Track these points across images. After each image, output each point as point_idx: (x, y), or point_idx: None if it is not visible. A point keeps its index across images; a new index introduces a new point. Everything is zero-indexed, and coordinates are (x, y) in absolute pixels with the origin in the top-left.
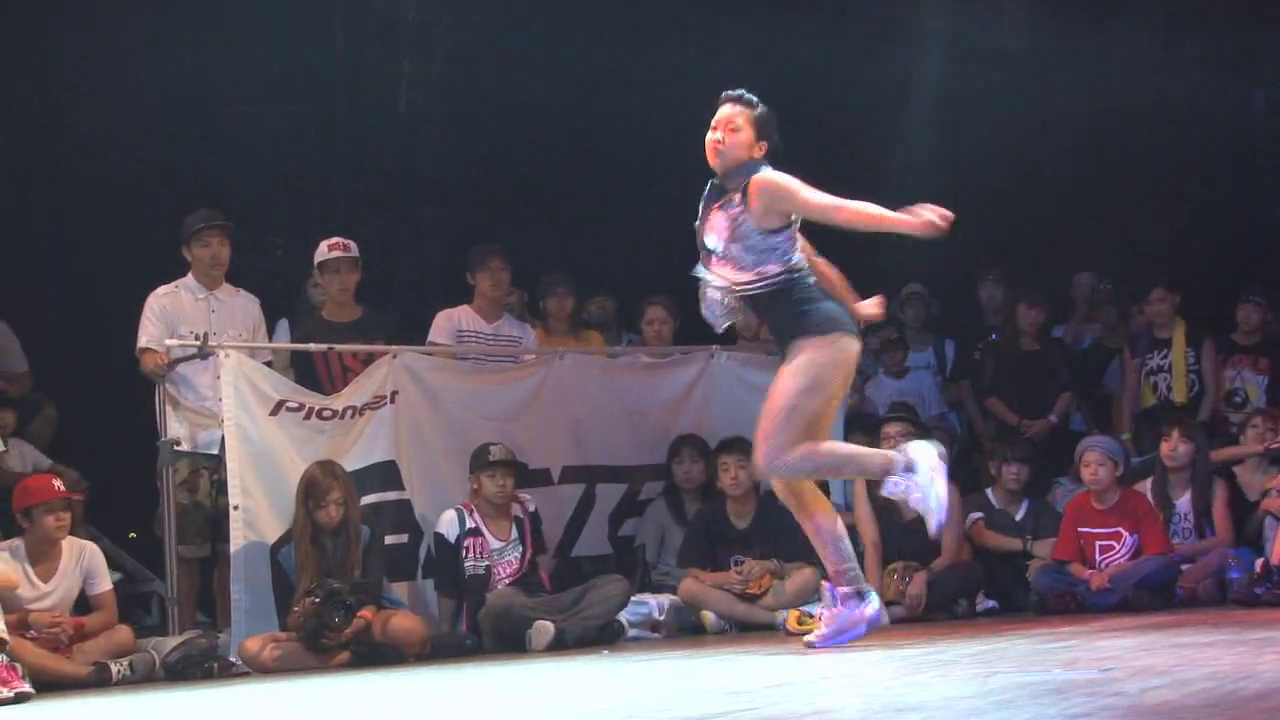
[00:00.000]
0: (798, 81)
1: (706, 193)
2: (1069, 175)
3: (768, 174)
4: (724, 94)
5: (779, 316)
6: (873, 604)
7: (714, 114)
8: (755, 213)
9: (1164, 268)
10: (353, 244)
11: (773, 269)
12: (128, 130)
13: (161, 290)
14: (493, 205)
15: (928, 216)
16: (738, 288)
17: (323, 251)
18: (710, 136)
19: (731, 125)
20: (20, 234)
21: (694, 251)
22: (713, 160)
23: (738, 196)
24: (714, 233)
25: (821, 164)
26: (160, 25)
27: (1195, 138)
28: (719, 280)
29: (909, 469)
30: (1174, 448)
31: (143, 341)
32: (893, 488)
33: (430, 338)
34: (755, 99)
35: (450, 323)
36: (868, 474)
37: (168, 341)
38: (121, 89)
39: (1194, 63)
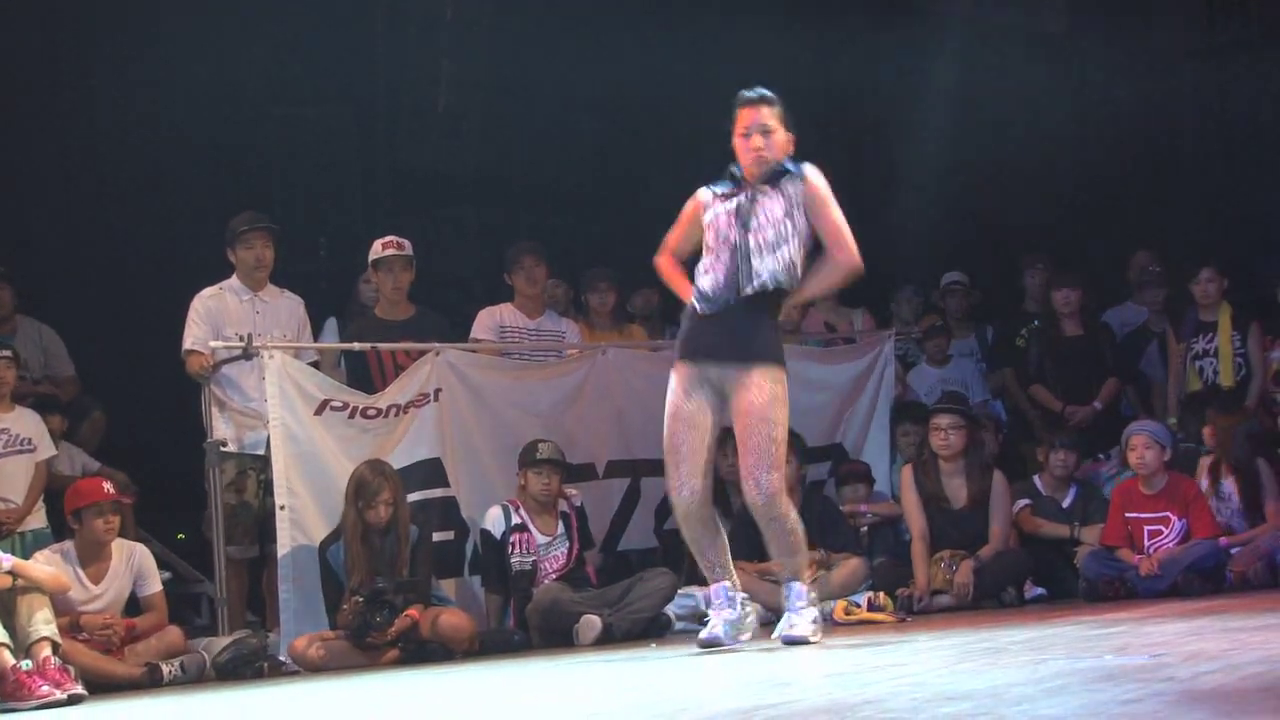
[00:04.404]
0: (833, 73)
1: (720, 189)
2: (1115, 160)
3: (818, 174)
4: (742, 95)
5: (753, 325)
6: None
7: (733, 116)
8: (810, 203)
9: (1212, 250)
10: (407, 243)
11: (797, 271)
12: (172, 134)
13: (206, 292)
14: (534, 202)
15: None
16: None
17: (377, 250)
18: (748, 144)
19: (765, 128)
20: (66, 239)
21: None
22: (755, 168)
23: (792, 188)
24: (764, 221)
25: (858, 158)
26: (201, 28)
27: (1239, 121)
28: (765, 271)
29: (800, 602)
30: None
31: (188, 344)
32: (724, 602)
33: (473, 334)
34: (773, 94)
35: (493, 319)
36: (797, 560)
37: (213, 343)
38: (165, 93)
39: (1235, 46)
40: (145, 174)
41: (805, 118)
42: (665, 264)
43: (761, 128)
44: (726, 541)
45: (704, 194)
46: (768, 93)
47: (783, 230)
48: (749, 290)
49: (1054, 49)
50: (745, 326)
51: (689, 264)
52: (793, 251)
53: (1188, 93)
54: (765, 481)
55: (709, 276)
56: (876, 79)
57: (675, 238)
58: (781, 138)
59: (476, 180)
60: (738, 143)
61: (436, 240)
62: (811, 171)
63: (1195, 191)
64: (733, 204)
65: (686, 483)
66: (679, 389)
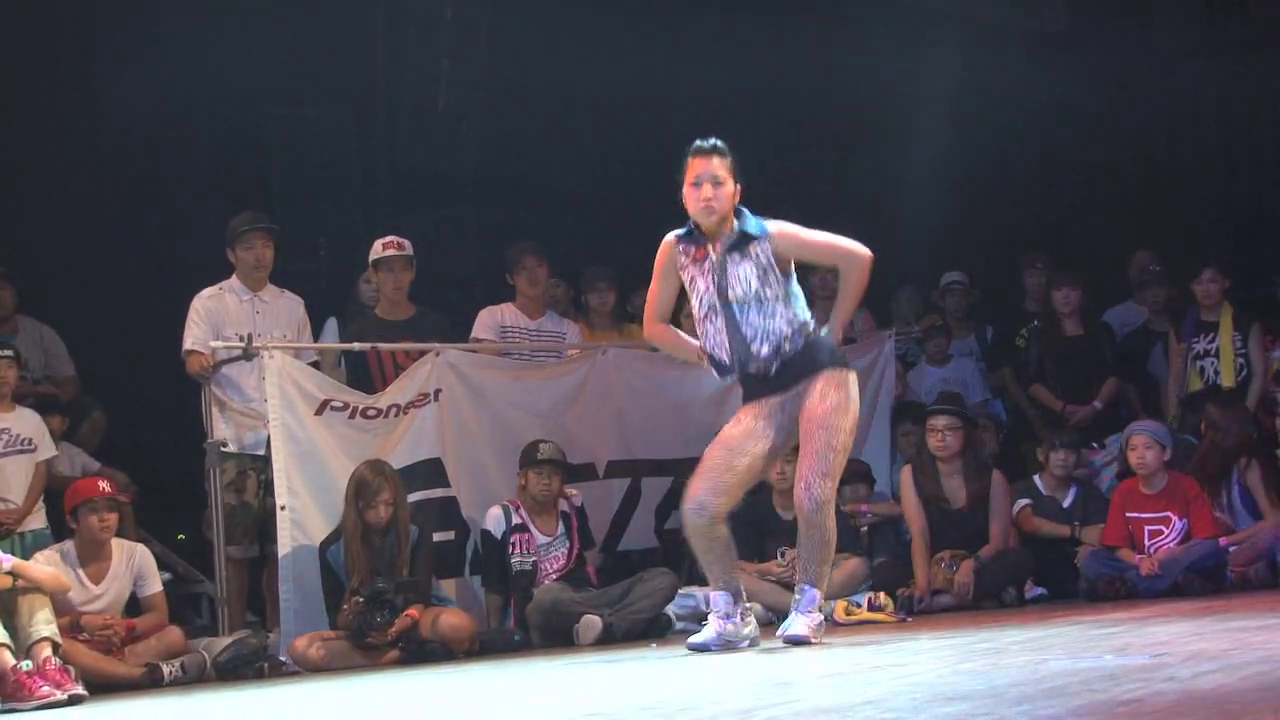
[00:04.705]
0: (828, 75)
1: (686, 242)
2: (1115, 160)
3: (777, 223)
4: (695, 145)
5: (799, 353)
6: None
7: (685, 165)
8: (784, 250)
9: (1213, 250)
10: (407, 243)
11: (800, 317)
12: (171, 134)
13: (206, 293)
14: (534, 202)
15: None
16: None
17: (377, 250)
18: (698, 193)
19: (716, 179)
20: (66, 239)
21: None
22: (704, 219)
23: (759, 249)
24: (740, 284)
25: (856, 157)
26: (201, 28)
27: (1239, 121)
28: (774, 323)
29: (810, 606)
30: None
31: (188, 344)
32: (727, 609)
33: (473, 334)
34: (724, 144)
35: (493, 319)
36: (822, 570)
37: (213, 344)
38: (165, 93)
39: (1235, 45)
40: (145, 174)
41: (806, 117)
42: (660, 332)
43: (712, 178)
44: (736, 557)
45: (670, 240)
46: (720, 144)
47: (764, 295)
48: (762, 354)
49: (1054, 48)
50: (789, 362)
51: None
52: (784, 313)
53: (1188, 93)
54: (817, 488)
55: (719, 349)
56: (877, 79)
57: (656, 296)
58: (730, 189)
59: (476, 180)
60: (687, 191)
61: (436, 240)
62: (772, 227)
63: (1195, 191)
64: (704, 265)
65: (698, 498)
66: (740, 418)
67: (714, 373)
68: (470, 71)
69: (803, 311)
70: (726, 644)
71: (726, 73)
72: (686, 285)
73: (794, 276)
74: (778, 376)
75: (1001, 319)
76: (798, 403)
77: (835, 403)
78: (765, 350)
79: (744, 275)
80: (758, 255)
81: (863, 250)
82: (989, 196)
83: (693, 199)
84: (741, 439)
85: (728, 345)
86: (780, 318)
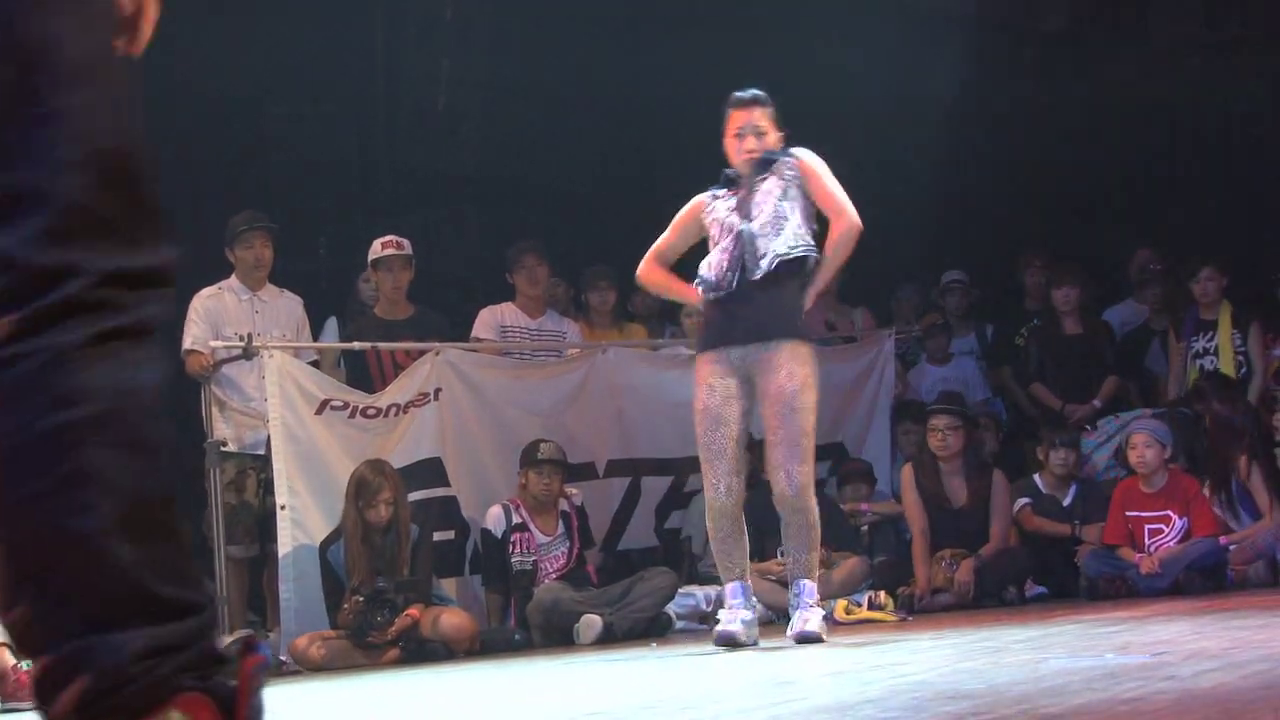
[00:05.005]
0: (832, 71)
1: (719, 191)
2: (1115, 159)
3: (809, 153)
4: (734, 96)
5: (769, 302)
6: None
7: (726, 116)
8: (805, 179)
9: (1212, 248)
10: (406, 242)
11: (808, 238)
12: (171, 133)
13: (206, 292)
14: (533, 201)
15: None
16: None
17: (376, 249)
18: (741, 145)
19: (758, 129)
20: None
21: None
22: (747, 169)
23: (786, 169)
24: (763, 203)
25: (858, 157)
26: (199, 27)
27: (1239, 120)
28: (781, 227)
29: (810, 599)
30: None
31: (187, 343)
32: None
33: (474, 334)
34: (764, 94)
35: (494, 318)
36: (811, 558)
37: (212, 343)
38: (165, 92)
39: (1236, 43)
40: None
41: (805, 117)
42: (655, 275)
43: (754, 129)
44: (748, 543)
45: (703, 197)
46: (760, 94)
47: (781, 208)
48: (759, 273)
49: (1054, 47)
50: (762, 305)
51: (679, 268)
52: (797, 224)
53: (1188, 92)
54: (796, 474)
55: (713, 263)
56: (876, 79)
57: (666, 243)
58: (773, 138)
59: (476, 180)
60: (729, 143)
61: (436, 240)
62: (802, 152)
63: (1195, 190)
64: (733, 201)
65: (724, 480)
66: (703, 384)
67: (700, 292)
68: (470, 71)
69: (811, 238)
70: (749, 635)
71: (726, 72)
72: (709, 221)
73: (814, 210)
74: (748, 308)
75: (1001, 318)
76: (758, 366)
77: (801, 380)
78: (760, 269)
79: (767, 192)
80: (783, 171)
81: (856, 219)
82: (989, 196)
83: (735, 150)
84: (720, 407)
85: (727, 259)
86: (788, 231)
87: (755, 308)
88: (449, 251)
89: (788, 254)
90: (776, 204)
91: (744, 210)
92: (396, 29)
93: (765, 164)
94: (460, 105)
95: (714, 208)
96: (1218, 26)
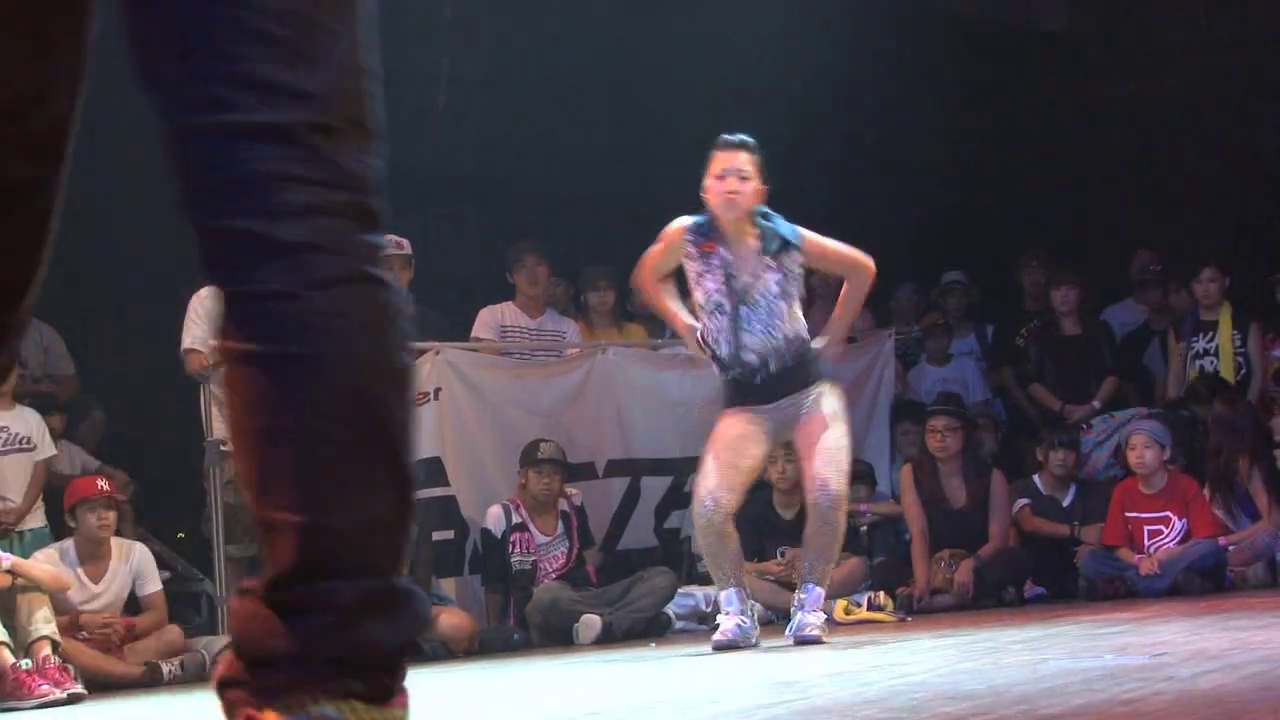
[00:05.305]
0: (832, 72)
1: (695, 234)
2: (1115, 160)
3: (807, 232)
4: (722, 139)
5: (785, 377)
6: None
7: (709, 158)
8: (809, 260)
9: (1213, 248)
10: (406, 242)
11: (801, 333)
12: None
13: (205, 292)
14: (533, 201)
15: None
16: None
17: None
18: (721, 187)
19: (742, 174)
20: (65, 238)
21: None
22: (726, 212)
23: (789, 261)
24: (762, 282)
25: (857, 156)
26: None
27: (1239, 119)
28: (775, 335)
29: (815, 605)
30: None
31: (187, 343)
32: (738, 608)
33: (474, 334)
34: (752, 140)
35: (494, 318)
36: (827, 568)
37: (212, 342)
38: None
39: (1233, 43)
40: (144, 174)
41: (805, 116)
42: (652, 289)
43: (738, 172)
44: (741, 555)
45: (682, 232)
46: (749, 139)
47: (778, 308)
48: (759, 379)
49: (1053, 47)
50: (781, 377)
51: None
52: (786, 327)
53: (1185, 92)
54: (834, 485)
55: (722, 344)
56: (876, 79)
57: (658, 255)
58: (754, 186)
59: (476, 180)
60: (711, 184)
61: (436, 240)
62: (804, 236)
63: (1195, 191)
64: (715, 259)
65: (713, 494)
66: (731, 423)
67: (710, 363)
68: (470, 71)
69: (803, 328)
70: (745, 639)
71: (727, 72)
72: (690, 278)
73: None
74: (763, 387)
75: (1001, 318)
76: (788, 413)
77: (834, 410)
78: (754, 359)
79: (770, 283)
80: (788, 265)
81: (871, 262)
82: (989, 196)
83: (716, 191)
84: (739, 441)
85: (730, 343)
86: (780, 332)
87: (776, 380)
88: (449, 251)
89: (775, 369)
90: (774, 302)
91: (734, 290)
92: (395, 28)
93: (777, 250)
94: (460, 105)
95: (697, 264)
96: (1218, 26)
